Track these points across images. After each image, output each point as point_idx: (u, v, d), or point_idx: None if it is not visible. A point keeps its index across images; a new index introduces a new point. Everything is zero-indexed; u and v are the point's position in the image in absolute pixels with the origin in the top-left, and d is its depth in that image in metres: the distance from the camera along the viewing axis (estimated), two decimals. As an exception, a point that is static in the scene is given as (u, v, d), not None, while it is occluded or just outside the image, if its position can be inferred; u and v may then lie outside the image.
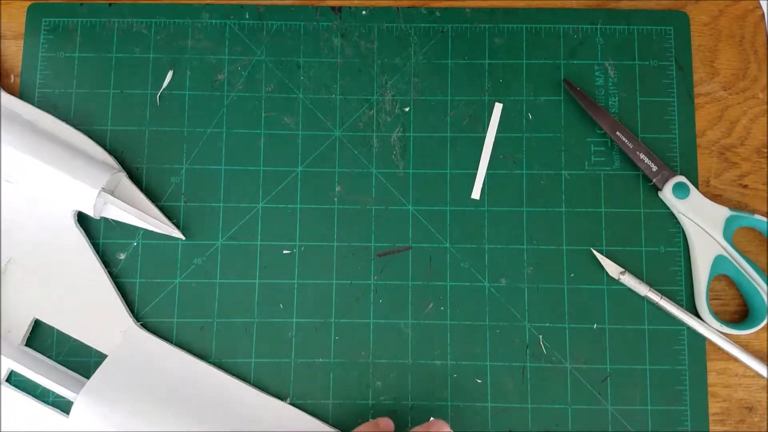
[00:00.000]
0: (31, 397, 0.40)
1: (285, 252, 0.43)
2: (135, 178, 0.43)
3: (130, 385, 0.39)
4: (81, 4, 0.45)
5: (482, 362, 0.42)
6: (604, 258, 0.42)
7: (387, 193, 0.43)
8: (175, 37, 0.45)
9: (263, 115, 0.44)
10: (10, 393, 0.40)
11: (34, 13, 0.45)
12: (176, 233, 0.42)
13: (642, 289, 0.41)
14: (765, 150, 0.44)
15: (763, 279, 0.41)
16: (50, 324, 0.41)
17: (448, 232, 0.43)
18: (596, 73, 0.45)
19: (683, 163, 0.44)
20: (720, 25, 0.46)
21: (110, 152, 0.43)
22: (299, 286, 0.42)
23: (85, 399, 0.38)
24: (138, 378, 0.39)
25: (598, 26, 0.45)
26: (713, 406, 0.41)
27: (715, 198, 0.43)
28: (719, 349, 0.42)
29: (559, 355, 0.42)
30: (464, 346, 0.42)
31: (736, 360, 0.42)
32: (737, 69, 0.45)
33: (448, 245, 0.43)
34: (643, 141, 0.44)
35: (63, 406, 0.40)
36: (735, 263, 0.41)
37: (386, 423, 0.38)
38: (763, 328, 0.41)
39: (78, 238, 0.41)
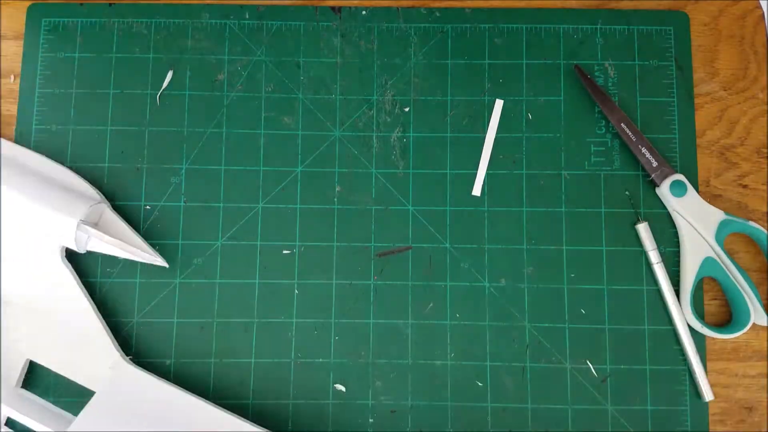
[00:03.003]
0: None
1: (285, 252, 0.43)
2: (134, 180, 0.43)
3: (119, 421, 0.38)
4: (81, 4, 0.45)
5: (482, 362, 0.42)
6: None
7: (387, 193, 0.43)
8: (175, 37, 0.45)
9: (263, 115, 0.44)
10: None
11: (34, 13, 0.45)
12: (160, 261, 0.41)
13: (648, 245, 0.41)
14: (765, 150, 0.44)
15: (749, 285, 0.41)
16: (42, 364, 0.40)
17: (448, 232, 0.43)
18: (596, 73, 0.45)
19: (683, 162, 0.44)
20: (720, 25, 0.46)
21: (111, 150, 0.43)
22: (299, 286, 0.42)
23: None
24: (126, 414, 0.38)
25: (598, 26, 0.45)
26: (713, 406, 0.41)
27: (715, 198, 0.43)
28: (720, 348, 0.42)
29: (559, 355, 0.42)
30: (464, 346, 0.42)
31: (736, 360, 0.42)
32: (737, 69, 0.45)
33: (448, 245, 0.43)
34: (643, 141, 0.44)
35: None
36: (724, 267, 0.41)
37: None
38: (747, 331, 0.42)
39: (66, 274, 0.40)
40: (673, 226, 0.43)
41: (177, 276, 0.42)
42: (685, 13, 0.45)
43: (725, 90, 0.45)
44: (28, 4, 0.45)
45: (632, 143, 0.43)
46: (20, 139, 0.44)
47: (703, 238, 0.42)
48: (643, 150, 0.43)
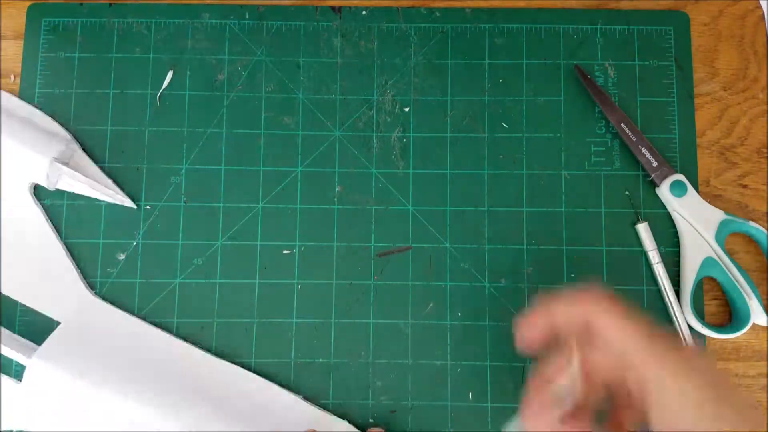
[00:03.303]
0: None
1: (285, 252, 0.43)
2: (134, 180, 0.43)
3: (85, 350, 0.40)
4: (81, 4, 0.45)
5: (482, 362, 0.42)
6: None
7: (387, 193, 0.43)
8: (175, 37, 0.45)
9: (263, 115, 0.44)
10: None
11: (34, 13, 0.45)
12: (128, 202, 0.42)
13: (649, 245, 0.41)
14: (765, 150, 0.44)
15: (750, 285, 0.41)
16: (8, 295, 0.42)
17: (448, 232, 0.43)
18: (596, 73, 0.45)
19: (683, 162, 0.44)
20: (720, 25, 0.46)
21: (111, 150, 0.43)
22: (299, 286, 0.42)
23: (37, 363, 0.39)
24: (93, 344, 0.40)
25: (598, 26, 0.45)
26: (713, 406, 0.41)
27: (715, 198, 0.43)
28: (718, 347, 0.42)
29: (559, 355, 0.42)
30: (464, 346, 0.42)
31: (736, 360, 0.42)
32: (737, 69, 0.45)
33: (448, 245, 0.43)
34: (643, 141, 0.44)
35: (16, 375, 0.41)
36: (724, 267, 0.41)
37: None
38: (747, 331, 0.41)
39: (35, 210, 0.42)
40: (673, 226, 0.43)
41: (177, 276, 0.42)
42: (685, 13, 0.45)
43: (725, 90, 0.45)
44: (28, 4, 0.45)
45: (632, 143, 0.43)
46: (20, 139, 0.44)
47: (703, 238, 0.42)
48: (643, 150, 0.43)
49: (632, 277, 0.42)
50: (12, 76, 0.45)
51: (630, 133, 0.43)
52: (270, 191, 0.43)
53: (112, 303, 0.42)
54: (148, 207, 0.43)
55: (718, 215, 0.42)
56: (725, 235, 0.42)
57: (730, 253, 0.42)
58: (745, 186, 0.44)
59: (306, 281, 0.42)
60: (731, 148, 0.44)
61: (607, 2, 0.46)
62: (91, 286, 0.42)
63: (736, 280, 0.41)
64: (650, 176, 0.43)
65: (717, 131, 0.44)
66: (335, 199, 0.43)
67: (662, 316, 0.42)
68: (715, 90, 0.45)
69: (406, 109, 0.44)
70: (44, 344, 0.40)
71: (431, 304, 0.42)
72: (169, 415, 0.38)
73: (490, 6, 0.46)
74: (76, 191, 0.42)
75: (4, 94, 0.43)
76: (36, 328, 0.42)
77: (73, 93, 0.44)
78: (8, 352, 0.39)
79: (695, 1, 0.46)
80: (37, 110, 0.43)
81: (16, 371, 0.41)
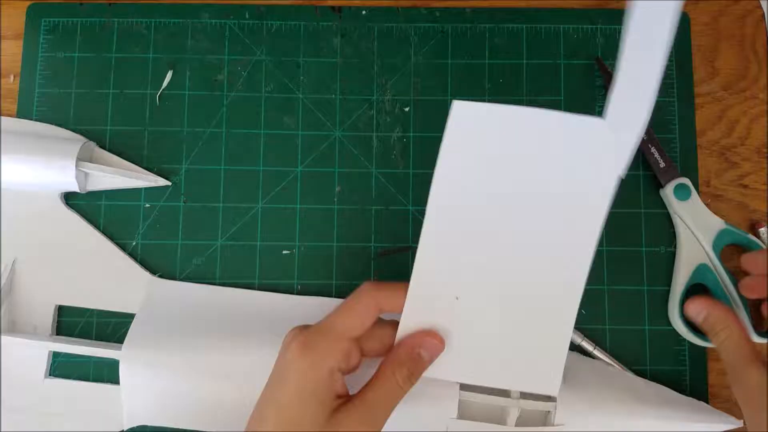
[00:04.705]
0: (77, 380, 0.41)
1: (285, 252, 0.43)
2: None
3: (169, 325, 0.40)
4: (81, 4, 0.45)
5: (482, 362, 0.42)
6: None
7: (387, 193, 0.43)
8: (175, 37, 0.45)
9: (263, 115, 0.44)
10: (56, 384, 0.40)
11: (34, 13, 0.45)
12: (162, 182, 0.42)
13: (576, 338, 0.41)
14: (765, 150, 0.44)
15: (740, 298, 0.40)
16: (74, 305, 0.42)
17: (448, 232, 0.43)
18: (596, 73, 0.45)
19: (683, 163, 0.44)
20: (720, 25, 0.46)
21: (111, 150, 0.43)
22: (299, 286, 0.42)
23: (128, 352, 0.38)
24: (174, 317, 0.40)
25: (598, 26, 0.45)
26: (713, 406, 0.41)
27: (716, 198, 0.43)
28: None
29: (559, 355, 0.42)
30: (464, 346, 0.42)
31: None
32: (737, 69, 0.45)
33: (448, 245, 0.43)
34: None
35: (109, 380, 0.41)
36: (717, 275, 0.41)
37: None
38: None
39: (72, 217, 0.42)
40: (672, 226, 0.43)
41: (177, 276, 0.42)
42: (685, 13, 0.45)
43: (725, 90, 0.45)
44: (28, 4, 0.45)
45: (643, 142, 0.42)
46: (20, 139, 0.43)
47: (701, 244, 0.41)
48: (653, 150, 0.42)
49: (632, 276, 0.42)
50: (11, 76, 0.45)
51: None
52: (270, 191, 0.43)
53: (112, 303, 0.42)
54: (147, 206, 0.43)
55: (718, 224, 0.41)
56: (723, 245, 0.41)
57: (725, 264, 0.42)
58: (745, 186, 0.44)
59: (306, 281, 0.42)
60: (731, 148, 0.44)
61: (607, 2, 0.46)
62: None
63: (728, 291, 0.41)
64: (656, 176, 0.42)
65: (717, 131, 0.44)
66: (335, 199, 0.43)
67: (662, 316, 0.42)
68: (715, 90, 0.45)
69: (406, 109, 0.44)
70: (130, 332, 0.39)
71: (431, 304, 0.42)
72: (256, 348, 0.38)
73: (490, 6, 0.46)
74: (108, 186, 0.42)
75: (4, 118, 0.43)
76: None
77: (72, 93, 0.44)
78: (100, 351, 0.39)
79: (695, 1, 0.46)
80: (40, 123, 0.43)
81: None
